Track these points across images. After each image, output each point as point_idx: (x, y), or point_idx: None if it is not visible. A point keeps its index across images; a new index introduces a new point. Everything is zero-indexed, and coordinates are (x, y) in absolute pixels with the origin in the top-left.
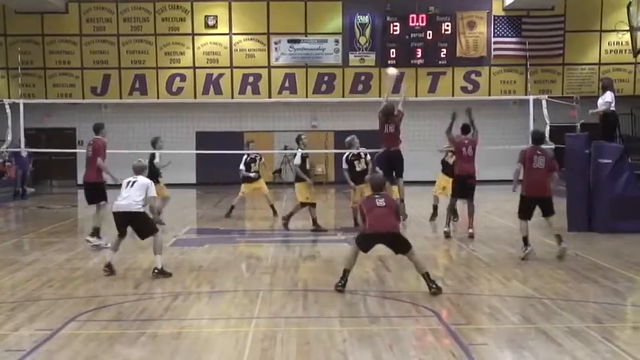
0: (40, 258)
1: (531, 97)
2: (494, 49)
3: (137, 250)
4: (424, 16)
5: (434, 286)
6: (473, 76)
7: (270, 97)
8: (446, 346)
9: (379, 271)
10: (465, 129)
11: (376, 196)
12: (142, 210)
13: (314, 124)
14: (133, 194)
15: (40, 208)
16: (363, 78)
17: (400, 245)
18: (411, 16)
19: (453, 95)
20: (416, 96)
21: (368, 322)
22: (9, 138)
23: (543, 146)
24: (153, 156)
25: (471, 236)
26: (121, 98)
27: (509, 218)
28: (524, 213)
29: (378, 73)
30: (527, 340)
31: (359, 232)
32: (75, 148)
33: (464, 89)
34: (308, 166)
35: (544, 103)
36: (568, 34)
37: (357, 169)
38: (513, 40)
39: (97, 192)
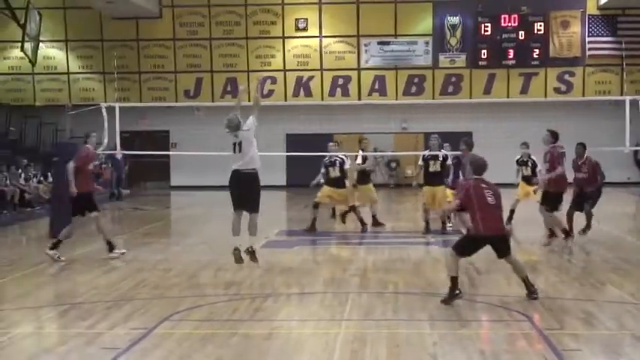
0: (134, 258)
1: (628, 98)
2: (589, 49)
3: (229, 251)
4: (516, 16)
5: (533, 289)
6: (566, 77)
7: (359, 99)
8: (539, 351)
9: (470, 274)
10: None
11: (484, 185)
12: (256, 169)
13: (404, 126)
14: (246, 155)
15: (135, 209)
16: (453, 79)
17: (505, 248)
18: (502, 16)
19: (545, 96)
20: (507, 97)
21: (459, 325)
22: (105, 141)
23: None
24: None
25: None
26: (213, 101)
27: (604, 222)
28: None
29: (469, 74)
30: (624, 347)
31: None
32: (168, 151)
33: (557, 90)
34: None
35: None
36: None
37: (431, 169)
38: (609, 39)
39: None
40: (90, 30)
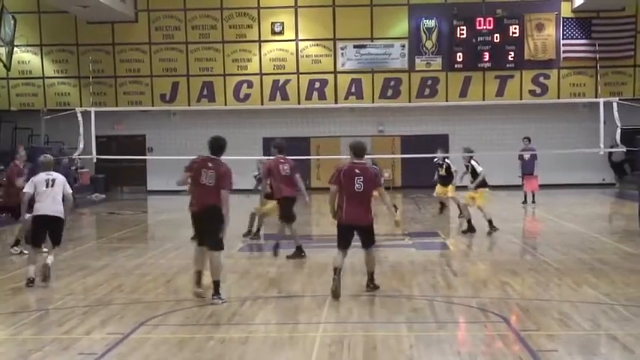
0: (110, 263)
1: (602, 100)
2: (564, 52)
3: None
4: (491, 19)
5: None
6: (541, 79)
7: (336, 102)
8: (515, 353)
9: (446, 276)
10: None
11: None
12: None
13: (380, 128)
14: (56, 197)
15: (111, 214)
16: (429, 82)
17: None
18: (478, 19)
19: (521, 98)
20: (483, 99)
21: (435, 327)
22: (81, 145)
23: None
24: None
25: None
26: (189, 105)
27: (580, 223)
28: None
29: (444, 77)
30: (599, 347)
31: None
32: (145, 155)
33: (532, 92)
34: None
35: (615, 105)
36: (639, 35)
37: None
38: (583, 42)
39: None
40: (65, 34)
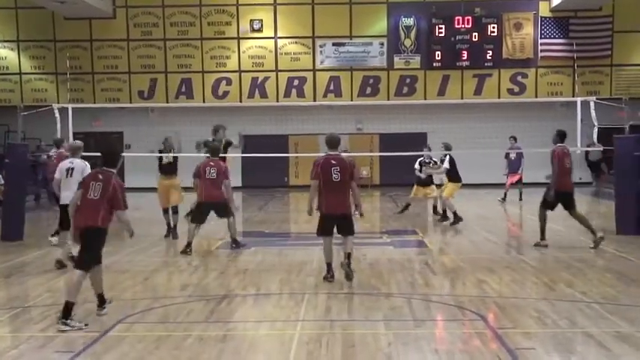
0: None
1: (579, 99)
2: (541, 51)
3: (180, 253)
4: (470, 17)
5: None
6: (519, 78)
7: (315, 100)
8: (492, 350)
9: (425, 275)
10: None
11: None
12: None
13: (359, 126)
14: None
15: None
16: (408, 80)
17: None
18: (456, 18)
19: (499, 97)
20: (461, 98)
21: (413, 325)
22: None
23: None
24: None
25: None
26: (167, 102)
27: (556, 222)
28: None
29: (423, 75)
30: (576, 345)
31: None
32: (122, 152)
33: (510, 91)
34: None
35: (592, 104)
36: (616, 34)
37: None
38: (560, 41)
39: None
40: (42, 30)
